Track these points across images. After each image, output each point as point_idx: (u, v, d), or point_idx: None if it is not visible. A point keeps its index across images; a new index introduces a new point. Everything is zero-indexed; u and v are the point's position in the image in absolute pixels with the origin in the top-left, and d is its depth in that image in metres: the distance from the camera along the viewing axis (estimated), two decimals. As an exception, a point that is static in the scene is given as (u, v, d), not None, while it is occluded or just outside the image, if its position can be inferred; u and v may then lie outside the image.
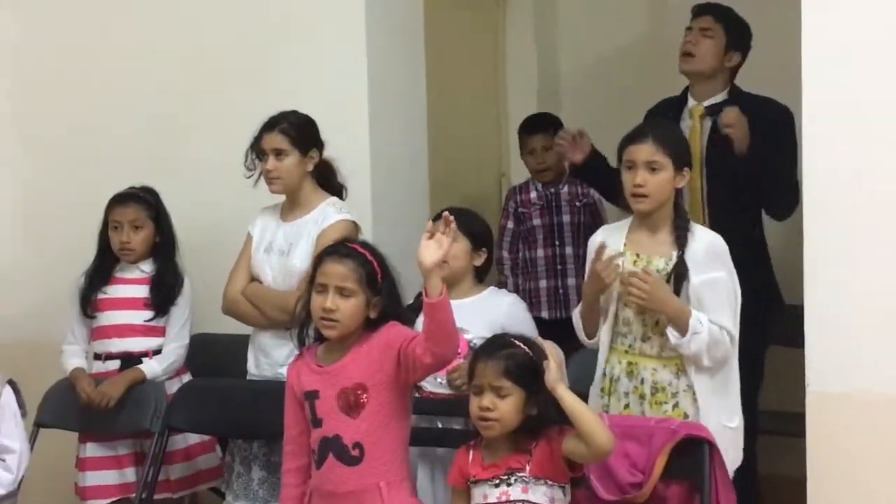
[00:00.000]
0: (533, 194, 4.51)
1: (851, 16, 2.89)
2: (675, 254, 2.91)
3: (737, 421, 2.96)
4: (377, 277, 2.70)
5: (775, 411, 3.77)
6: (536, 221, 4.47)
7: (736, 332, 2.91)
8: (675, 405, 2.93)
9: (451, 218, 2.63)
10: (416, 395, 3.06)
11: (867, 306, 2.89)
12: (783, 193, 3.58)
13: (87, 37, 4.28)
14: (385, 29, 3.94)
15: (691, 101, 3.78)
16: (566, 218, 4.41)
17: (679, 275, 2.89)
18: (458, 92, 4.83)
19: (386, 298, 2.70)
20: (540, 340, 2.68)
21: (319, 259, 2.75)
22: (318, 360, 2.74)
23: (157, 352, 3.66)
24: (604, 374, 3.02)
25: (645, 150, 2.90)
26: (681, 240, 2.92)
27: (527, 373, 2.52)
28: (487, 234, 3.37)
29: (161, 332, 3.68)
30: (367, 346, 2.68)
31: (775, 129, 3.61)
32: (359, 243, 2.88)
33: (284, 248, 3.39)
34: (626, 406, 2.96)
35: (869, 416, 2.90)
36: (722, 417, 2.91)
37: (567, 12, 5.32)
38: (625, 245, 2.99)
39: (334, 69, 3.88)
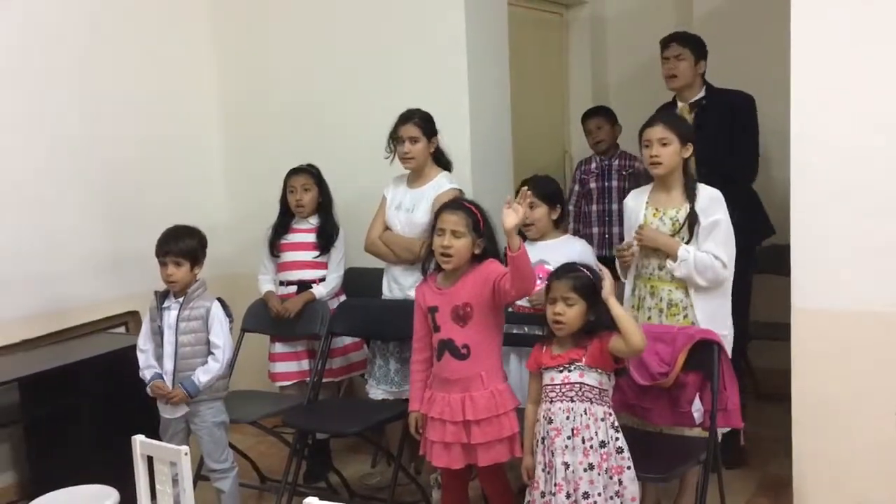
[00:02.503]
0: (593, 165, 4.48)
1: (832, 19, 2.79)
2: (686, 206, 2.90)
3: (727, 330, 2.94)
4: (480, 225, 2.72)
5: (769, 322, 3.69)
6: (593, 185, 4.43)
7: (729, 260, 2.89)
8: (685, 316, 2.93)
9: (526, 190, 2.63)
10: (510, 309, 3.11)
11: (841, 240, 2.80)
12: (749, 163, 3.59)
13: (273, 59, 4.36)
14: (480, 47, 3.92)
15: (680, 103, 3.76)
16: (615, 183, 4.36)
17: (692, 220, 2.89)
18: (533, 92, 4.79)
19: (487, 241, 2.73)
20: (600, 266, 2.67)
21: (439, 212, 2.77)
22: (438, 285, 2.78)
23: (322, 279, 3.72)
24: (633, 295, 3.04)
25: (657, 131, 2.91)
26: (691, 195, 2.91)
27: (588, 289, 2.52)
28: (559, 193, 3.37)
29: (324, 266, 3.73)
30: (473, 276, 2.71)
31: (742, 112, 3.63)
32: (467, 200, 2.91)
33: (410, 207, 3.41)
34: (649, 318, 2.96)
35: (842, 327, 2.83)
36: (716, 326, 2.88)
37: (614, 32, 5.23)
38: (647, 202, 3.00)
39: (444, 78, 3.88)
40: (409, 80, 3.95)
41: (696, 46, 3.74)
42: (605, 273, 2.56)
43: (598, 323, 2.51)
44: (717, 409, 2.76)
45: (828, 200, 2.80)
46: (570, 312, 2.52)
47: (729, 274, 2.92)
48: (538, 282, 2.91)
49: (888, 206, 2.72)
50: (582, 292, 2.52)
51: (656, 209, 2.98)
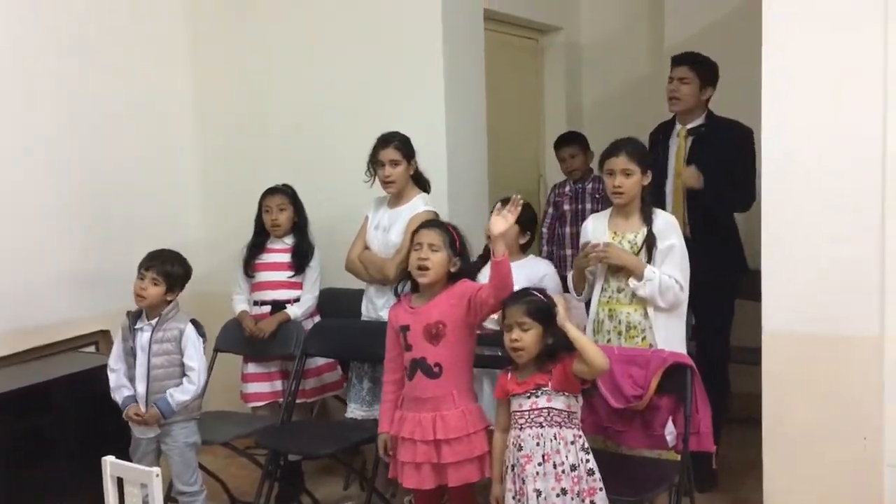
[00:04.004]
0: (567, 188, 4.51)
1: (801, 50, 2.84)
2: (643, 230, 2.96)
3: (685, 350, 2.97)
4: (456, 244, 2.73)
5: (741, 346, 3.73)
6: (567, 207, 4.46)
7: (685, 283, 2.94)
8: (644, 338, 2.96)
9: (517, 198, 2.64)
10: (479, 331, 3.11)
11: (811, 265, 2.83)
12: (745, 194, 3.57)
13: (257, 78, 4.33)
14: (457, 70, 3.94)
15: (678, 126, 3.74)
16: (588, 206, 4.39)
17: (650, 243, 2.94)
18: (509, 115, 4.82)
19: (462, 260, 2.74)
20: (553, 293, 2.69)
21: (417, 229, 2.79)
22: (411, 304, 2.78)
23: (297, 300, 3.69)
24: (593, 319, 3.06)
25: (620, 161, 2.96)
26: (648, 220, 2.97)
27: (542, 312, 2.52)
28: (533, 220, 3.42)
29: (299, 286, 3.70)
30: (447, 295, 2.71)
31: (740, 145, 3.58)
32: (443, 221, 2.93)
33: (387, 227, 3.41)
34: (608, 341, 2.98)
35: (812, 351, 2.85)
36: (674, 347, 2.91)
37: (588, 58, 5.29)
38: (608, 226, 3.05)
39: (422, 100, 3.89)
40: (386, 101, 3.96)
41: (704, 71, 3.66)
42: (559, 299, 2.58)
43: (558, 345, 2.51)
44: (690, 432, 2.77)
45: (797, 225, 2.84)
46: (526, 338, 2.51)
47: (685, 297, 2.96)
48: None
49: (855, 229, 2.76)
50: (536, 316, 2.51)
51: (615, 233, 3.03)
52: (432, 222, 2.84)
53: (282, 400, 3.58)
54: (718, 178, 3.55)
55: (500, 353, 3.13)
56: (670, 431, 2.84)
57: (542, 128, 5.24)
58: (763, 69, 2.85)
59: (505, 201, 2.66)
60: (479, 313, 2.68)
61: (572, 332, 2.47)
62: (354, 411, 3.45)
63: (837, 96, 2.76)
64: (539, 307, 2.53)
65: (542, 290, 2.63)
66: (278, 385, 3.69)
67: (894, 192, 2.70)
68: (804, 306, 2.84)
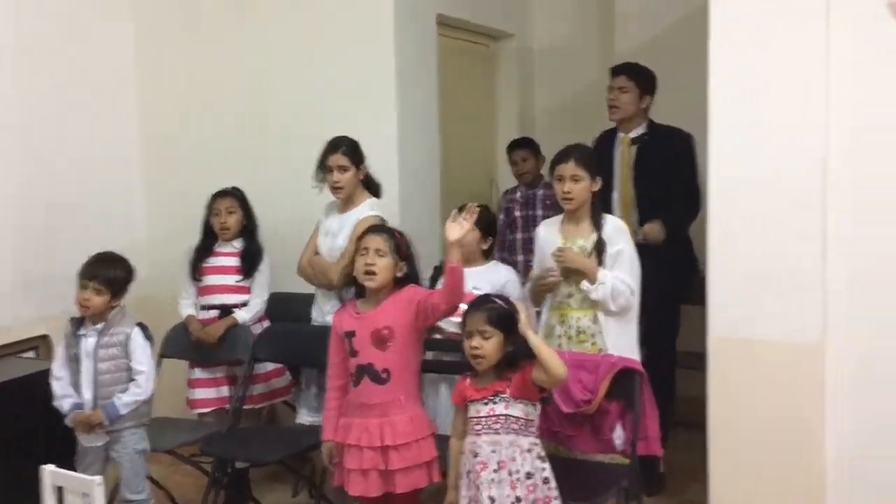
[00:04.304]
0: (518, 194, 4.53)
1: (748, 57, 2.89)
2: (594, 235, 3.01)
3: (636, 356, 3.00)
4: (401, 249, 2.72)
5: (686, 351, 3.78)
6: (518, 213, 4.49)
7: (635, 286, 2.99)
8: (594, 343, 3.01)
9: (472, 206, 2.65)
10: (439, 336, 3.13)
11: (755, 270, 2.87)
12: (694, 202, 3.66)
13: (203, 79, 4.28)
14: (409, 74, 3.94)
15: (620, 134, 3.81)
16: (539, 212, 4.41)
17: (599, 248, 2.99)
18: (462, 121, 4.82)
19: (408, 265, 2.73)
20: (515, 300, 2.70)
21: (363, 234, 2.77)
22: (357, 309, 2.76)
23: (245, 304, 3.64)
24: (544, 324, 3.09)
25: (569, 167, 3.00)
26: (597, 225, 3.02)
27: (503, 320, 2.52)
28: (494, 225, 3.45)
29: (248, 290, 3.65)
30: (394, 300, 2.70)
31: (682, 151, 3.68)
32: (389, 226, 2.92)
33: (335, 232, 3.39)
34: (559, 345, 3.01)
35: (756, 356, 2.89)
36: (625, 352, 2.95)
37: (540, 65, 5.33)
38: (559, 232, 3.09)
39: (374, 104, 3.88)
40: (337, 105, 3.93)
41: (642, 80, 3.76)
42: (521, 306, 2.58)
43: (518, 353, 2.51)
44: (638, 436, 2.80)
45: (742, 233, 2.89)
46: (487, 346, 2.51)
47: (636, 301, 3.00)
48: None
49: (798, 236, 2.82)
50: (497, 324, 2.51)
51: (566, 238, 3.06)
52: (378, 228, 2.83)
53: (229, 406, 3.52)
54: (665, 185, 3.62)
55: (459, 359, 3.15)
56: (619, 436, 2.87)
57: (494, 133, 5.25)
58: (710, 78, 2.90)
59: (462, 209, 2.66)
60: (428, 319, 2.68)
61: (533, 340, 2.48)
62: (304, 417, 3.43)
63: (782, 106, 2.82)
64: (500, 315, 2.53)
65: (504, 297, 2.64)
66: (225, 391, 3.64)
67: (836, 202, 2.77)
68: (749, 312, 2.88)
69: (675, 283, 3.62)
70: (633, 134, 3.78)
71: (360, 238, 2.77)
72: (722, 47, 2.88)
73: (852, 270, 2.75)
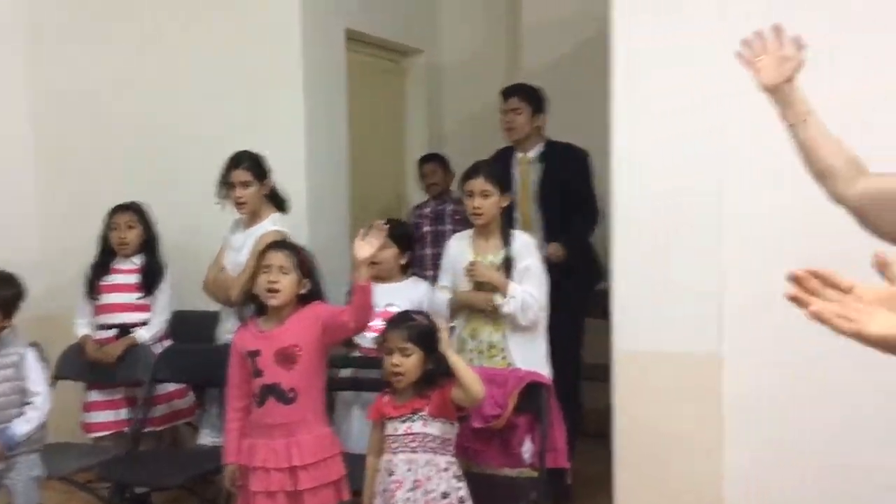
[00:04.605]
0: (427, 209, 4.52)
1: (648, 78, 2.97)
2: (503, 251, 3.04)
3: (547, 370, 3.04)
4: (305, 265, 2.68)
5: (593, 364, 3.85)
6: (427, 229, 4.47)
7: (544, 301, 3.03)
8: (503, 357, 3.03)
9: (379, 224, 2.63)
10: (358, 353, 3.12)
11: (658, 285, 2.96)
12: (588, 213, 3.76)
13: (102, 92, 4.13)
14: (317, 89, 3.90)
15: (518, 154, 3.88)
16: (448, 227, 4.41)
17: (508, 264, 3.02)
18: (371, 137, 4.80)
19: (312, 281, 2.69)
20: (436, 317, 2.69)
21: (265, 251, 2.71)
22: (260, 328, 2.69)
23: (146, 323, 3.52)
24: (456, 339, 3.08)
25: (479, 183, 3.04)
26: (506, 241, 3.06)
27: (424, 338, 2.51)
28: (411, 239, 3.45)
29: (148, 308, 3.53)
30: (299, 317, 2.64)
31: (579, 167, 3.79)
32: (292, 242, 2.87)
33: (239, 248, 3.32)
34: (471, 360, 3.01)
35: (660, 368, 2.97)
36: (534, 366, 2.98)
37: (448, 81, 5.36)
38: (469, 247, 3.11)
39: (281, 118, 3.82)
40: (243, 118, 3.85)
41: (534, 100, 3.84)
42: (441, 324, 2.58)
43: (438, 371, 2.50)
44: (546, 449, 2.82)
45: (644, 250, 2.97)
46: (407, 363, 2.50)
47: (544, 316, 3.04)
48: (384, 324, 2.90)
49: (697, 252, 2.91)
50: (418, 342, 2.50)
51: (476, 253, 3.09)
52: (280, 244, 2.77)
53: (128, 429, 3.39)
54: (564, 202, 3.72)
55: (377, 376, 3.12)
56: (527, 449, 2.89)
57: (403, 149, 5.25)
58: (612, 98, 2.97)
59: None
60: (335, 337, 2.65)
61: (453, 359, 2.49)
62: (205, 437, 3.33)
63: (681, 126, 2.91)
64: (421, 332, 2.52)
65: (425, 314, 2.63)
66: (124, 414, 3.50)
67: (731, 221, 2.87)
68: (651, 325, 2.96)
69: (578, 296, 3.69)
70: (530, 153, 3.85)
71: (262, 254, 2.71)
72: (623, 68, 2.96)
73: (747, 284, 2.85)
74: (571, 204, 3.73)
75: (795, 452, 2.83)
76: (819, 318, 1.03)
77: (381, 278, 3.18)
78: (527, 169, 3.83)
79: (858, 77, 2.67)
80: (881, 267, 1.05)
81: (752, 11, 2.83)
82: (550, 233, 3.71)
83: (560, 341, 3.32)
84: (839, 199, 1.74)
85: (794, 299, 1.07)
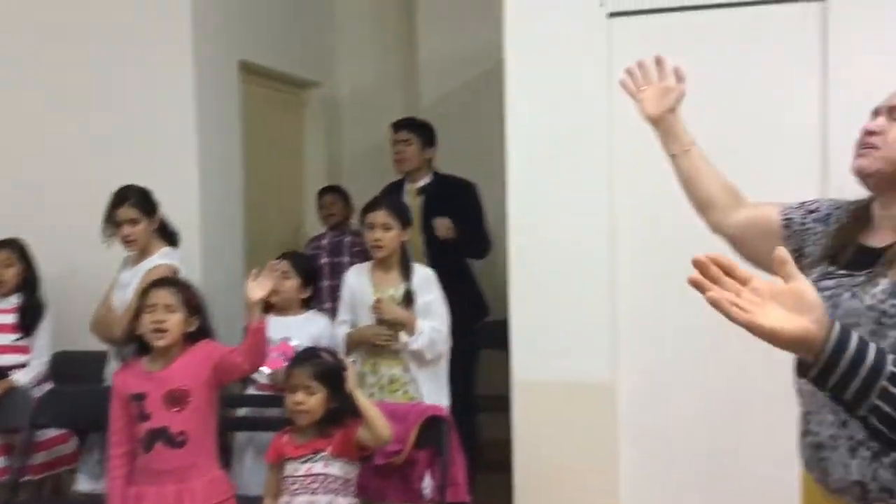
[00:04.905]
0: (324, 241, 4.47)
1: (541, 116, 3.03)
2: (403, 284, 3.03)
3: (446, 401, 3.04)
4: (192, 302, 2.59)
5: (491, 395, 3.86)
6: (324, 260, 4.41)
7: (447, 334, 3.02)
8: (405, 392, 3.00)
9: (273, 265, 2.59)
10: (253, 389, 3.02)
11: (556, 316, 3.01)
12: (477, 242, 3.85)
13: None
14: (211, 124, 3.81)
15: (407, 185, 3.97)
16: (346, 259, 4.37)
17: (409, 298, 3.00)
18: (270, 170, 4.73)
19: (200, 319, 2.60)
20: (342, 355, 2.66)
21: (149, 289, 2.61)
22: (145, 369, 2.57)
23: (24, 366, 3.34)
24: (357, 374, 3.03)
25: (380, 216, 3.04)
26: (407, 275, 3.04)
27: (330, 376, 2.47)
28: (315, 274, 3.42)
29: (27, 350, 3.35)
30: (189, 356, 2.55)
31: (467, 198, 3.90)
32: (178, 279, 2.79)
33: (126, 285, 3.18)
34: (371, 395, 2.98)
35: (558, 398, 3.01)
36: (435, 399, 2.97)
37: (347, 114, 5.35)
38: (369, 280, 3.09)
39: (173, 151, 3.71)
40: (133, 151, 3.72)
41: (423, 133, 3.96)
42: (348, 363, 2.55)
43: (343, 410, 2.47)
44: (447, 483, 2.80)
45: (540, 281, 3.01)
46: (311, 401, 2.45)
47: (447, 349, 3.03)
48: (281, 359, 2.84)
49: (589, 285, 2.98)
50: (324, 380, 2.46)
51: (376, 287, 3.06)
52: (165, 281, 2.68)
53: (4, 479, 3.17)
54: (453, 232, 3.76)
55: (275, 416, 3.02)
56: (427, 484, 2.85)
57: (302, 181, 5.19)
58: (507, 136, 3.02)
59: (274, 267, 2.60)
60: (227, 377, 2.57)
61: (361, 399, 2.46)
62: (83, 483, 3.18)
63: (572, 157, 2.99)
64: (327, 370, 2.48)
65: (331, 351, 2.59)
66: (0, 462, 3.28)
67: (625, 250, 2.95)
68: (548, 356, 3.00)
69: (467, 328, 3.71)
70: (419, 184, 3.94)
71: (146, 293, 2.60)
72: (517, 101, 3.02)
73: (639, 311, 2.93)
74: (459, 235, 3.79)
75: (691, 476, 2.90)
76: (715, 304, 1.06)
77: (279, 309, 3.11)
78: (414, 200, 3.90)
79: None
80: (779, 264, 1.08)
81: (635, 52, 2.95)
82: (435, 262, 3.72)
83: (453, 374, 3.33)
84: (717, 228, 1.80)
85: (695, 283, 1.09)
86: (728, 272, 1.09)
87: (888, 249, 1.46)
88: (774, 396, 1.44)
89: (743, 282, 1.09)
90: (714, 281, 1.09)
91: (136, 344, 2.61)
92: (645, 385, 2.93)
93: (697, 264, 1.10)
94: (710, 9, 2.86)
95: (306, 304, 3.26)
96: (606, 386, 2.95)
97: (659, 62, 1.89)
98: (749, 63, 2.80)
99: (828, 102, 2.76)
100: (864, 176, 1.51)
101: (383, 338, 3.01)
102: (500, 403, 3.28)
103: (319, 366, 2.49)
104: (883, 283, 1.41)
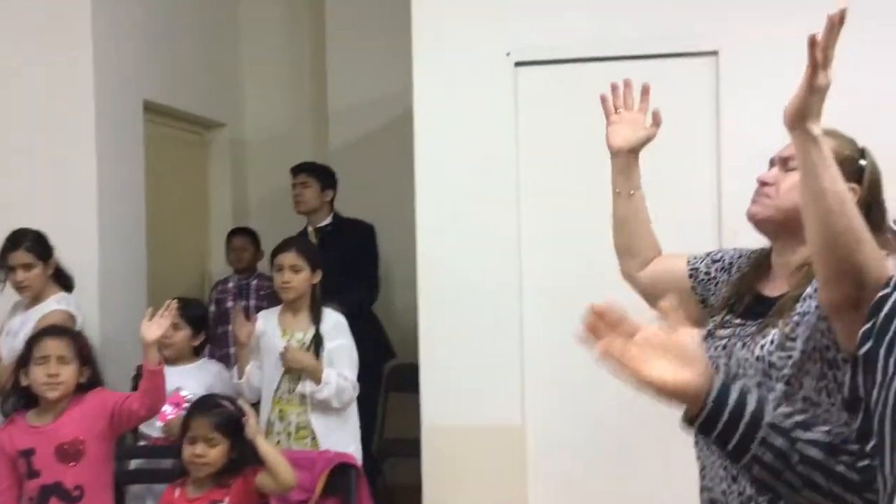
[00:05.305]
0: (230, 284, 4.39)
1: (448, 165, 3.07)
2: (312, 329, 2.98)
3: (353, 447, 2.99)
4: (84, 352, 2.50)
5: (400, 438, 3.82)
6: (230, 304, 4.34)
7: (356, 381, 2.98)
8: (313, 439, 2.93)
9: (172, 303, 2.54)
10: (144, 441, 2.89)
11: (464, 360, 3.02)
12: (371, 288, 3.92)
13: None
14: (111, 164, 3.68)
15: (309, 228, 4.05)
16: (253, 303, 4.30)
17: (318, 343, 2.95)
18: (174, 212, 4.62)
19: (91, 368, 2.51)
20: (242, 401, 2.57)
21: (39, 338, 2.49)
22: (30, 423, 2.44)
23: None
24: (264, 421, 2.96)
25: (290, 257, 3.00)
26: (316, 318, 2.99)
27: (231, 425, 2.40)
28: (205, 320, 3.29)
29: None
30: (81, 407, 2.45)
31: (363, 242, 3.99)
32: (69, 328, 2.69)
33: (16, 332, 3.03)
34: (278, 443, 2.91)
35: (468, 441, 3.01)
36: (344, 447, 2.92)
37: (253, 156, 5.29)
38: (277, 324, 3.03)
39: (72, 191, 3.56)
40: (30, 192, 3.56)
41: (322, 176, 4.07)
42: (248, 410, 2.47)
43: (242, 459, 2.39)
44: (355, 532, 2.75)
45: (449, 325, 3.03)
46: (212, 453, 2.37)
47: (356, 395, 3.00)
48: (173, 410, 2.74)
49: (498, 330, 3.01)
50: (225, 430, 2.38)
51: (284, 330, 3.00)
52: (58, 331, 2.56)
53: None
54: (346, 274, 3.75)
55: (169, 467, 2.90)
56: (336, 532, 2.79)
57: (207, 224, 5.08)
58: (417, 174, 3.04)
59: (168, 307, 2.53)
60: (123, 425, 2.48)
61: (263, 447, 2.39)
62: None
63: (480, 205, 3.03)
64: (228, 420, 2.40)
65: (231, 398, 2.52)
66: None
67: (533, 293, 3.00)
68: (458, 400, 3.00)
69: (374, 373, 3.71)
70: (318, 225, 4.03)
71: (36, 342, 2.48)
72: (425, 147, 3.06)
73: (545, 355, 2.97)
74: (352, 276, 3.81)
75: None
76: (605, 357, 1.06)
77: (170, 360, 2.99)
78: (315, 241, 3.93)
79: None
80: (665, 315, 1.09)
81: (541, 100, 3.04)
82: (327, 301, 3.72)
83: (360, 419, 3.29)
84: (629, 276, 1.81)
85: (586, 337, 1.09)
86: (617, 324, 1.09)
87: (780, 300, 1.50)
88: (678, 441, 1.45)
89: (631, 333, 1.09)
90: (604, 333, 1.09)
91: (19, 397, 2.47)
92: (553, 427, 2.95)
93: (587, 316, 1.10)
94: (611, 60, 2.97)
95: (197, 353, 3.17)
96: (516, 429, 2.96)
97: (645, 91, 1.80)
98: (648, 115, 2.92)
99: (721, 150, 2.90)
100: (756, 222, 1.57)
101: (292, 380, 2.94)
102: (410, 448, 3.25)
103: (220, 415, 2.41)
104: (771, 335, 1.45)
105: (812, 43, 1.22)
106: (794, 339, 1.43)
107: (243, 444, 2.39)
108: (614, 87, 1.81)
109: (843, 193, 1.28)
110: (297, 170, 4.14)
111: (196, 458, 2.37)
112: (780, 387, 1.42)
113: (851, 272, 1.25)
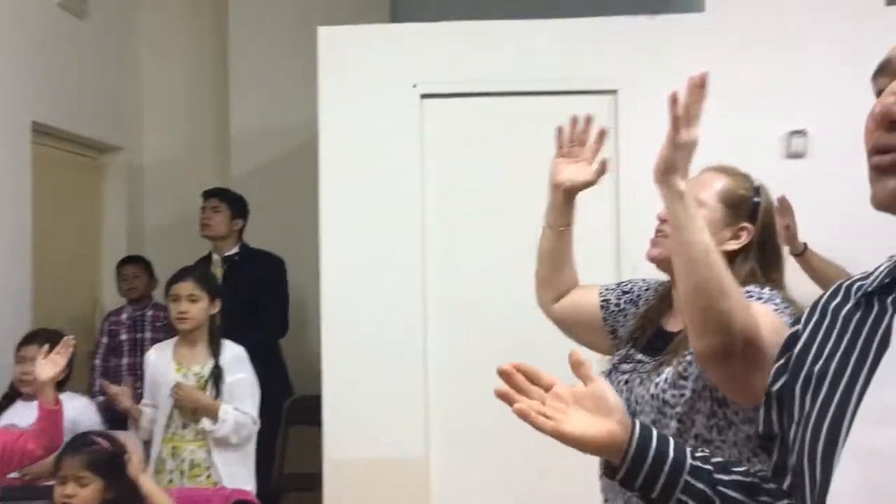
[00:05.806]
0: (124, 315, 4.20)
1: (355, 191, 3.04)
2: (210, 362, 2.88)
3: (253, 485, 2.91)
4: None
5: (301, 473, 3.73)
6: (124, 336, 4.15)
7: (257, 416, 2.90)
8: (209, 476, 2.83)
9: (68, 340, 2.41)
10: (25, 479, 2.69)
11: (368, 392, 2.98)
12: (279, 320, 3.81)
13: None
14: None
15: (214, 256, 3.94)
16: (148, 335, 4.14)
17: (217, 376, 2.86)
18: (63, 238, 4.41)
19: None
20: (122, 436, 2.45)
21: None
22: None
23: None
24: (155, 458, 2.85)
25: (187, 286, 2.91)
26: (215, 351, 2.90)
27: (106, 464, 2.28)
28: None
29: None
30: None
31: (271, 274, 3.90)
32: None
33: None
34: (171, 481, 2.79)
35: (371, 475, 2.96)
36: (241, 483, 2.83)
37: (151, 181, 5.12)
38: (172, 357, 2.92)
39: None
40: None
41: (234, 204, 3.96)
42: (132, 447, 2.36)
43: (121, 499, 2.28)
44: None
45: (353, 358, 2.99)
46: (83, 493, 2.24)
47: (255, 430, 2.91)
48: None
49: (402, 363, 2.99)
50: (98, 469, 2.26)
51: (180, 364, 2.89)
52: None
53: None
54: (253, 305, 3.69)
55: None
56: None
57: (100, 251, 4.87)
58: (321, 204, 3.01)
59: (53, 344, 2.39)
60: (16, 465, 2.33)
61: (147, 486, 2.30)
62: None
63: (384, 236, 3.02)
64: (102, 459, 2.28)
65: (108, 435, 2.40)
66: None
67: (437, 324, 2.99)
68: (361, 432, 2.95)
69: (274, 407, 3.61)
70: (225, 254, 3.92)
71: None
72: (330, 177, 3.04)
73: (449, 390, 2.96)
74: (259, 308, 3.74)
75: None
76: (522, 415, 1.04)
77: (28, 397, 2.82)
78: (219, 270, 3.84)
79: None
80: (576, 366, 1.08)
81: (446, 131, 3.06)
82: (232, 334, 3.60)
83: (258, 454, 3.20)
84: (544, 307, 1.81)
85: (501, 395, 1.06)
86: (533, 380, 1.07)
87: (678, 335, 1.52)
88: (592, 468, 1.46)
89: (546, 388, 1.07)
90: (519, 390, 1.06)
91: None
92: (457, 459, 2.94)
93: (502, 374, 1.07)
94: (514, 95, 3.02)
95: (60, 387, 3.00)
96: (420, 460, 2.93)
97: (601, 135, 1.76)
98: (549, 149, 2.98)
99: (619, 189, 2.98)
100: (657, 263, 1.61)
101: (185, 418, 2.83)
102: (310, 482, 3.18)
103: (92, 454, 2.29)
104: (665, 372, 1.48)
105: (674, 100, 1.25)
106: (686, 378, 1.45)
107: (122, 483, 2.28)
108: (574, 120, 1.77)
109: (707, 244, 1.28)
110: (209, 194, 4.04)
111: (66, 499, 2.24)
112: (673, 424, 1.44)
113: (716, 321, 1.25)
